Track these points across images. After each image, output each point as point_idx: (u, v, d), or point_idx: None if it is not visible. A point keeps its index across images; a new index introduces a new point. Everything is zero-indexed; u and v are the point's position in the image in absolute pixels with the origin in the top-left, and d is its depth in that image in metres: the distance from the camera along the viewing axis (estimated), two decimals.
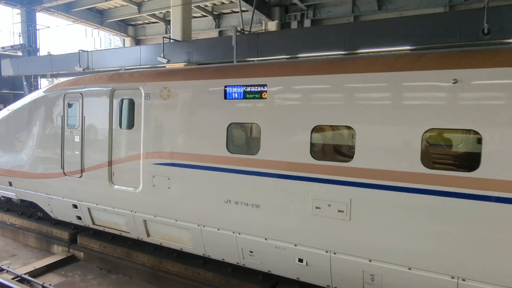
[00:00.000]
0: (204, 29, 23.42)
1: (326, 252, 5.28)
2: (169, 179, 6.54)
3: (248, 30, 18.48)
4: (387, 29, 13.21)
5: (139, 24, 26.91)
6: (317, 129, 5.32)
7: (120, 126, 7.25)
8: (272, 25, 20.07)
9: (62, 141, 8.03)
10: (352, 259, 5.12)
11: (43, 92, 8.72)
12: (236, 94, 5.88)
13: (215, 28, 23.09)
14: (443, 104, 4.44)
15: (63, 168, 8.00)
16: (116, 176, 7.27)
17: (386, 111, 4.79)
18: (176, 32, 17.96)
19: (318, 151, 5.68)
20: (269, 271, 6.01)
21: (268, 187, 5.59)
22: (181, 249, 6.86)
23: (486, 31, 11.37)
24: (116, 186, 7.27)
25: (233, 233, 6.04)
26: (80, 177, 7.74)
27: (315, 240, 5.34)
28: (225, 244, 6.20)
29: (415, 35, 12.72)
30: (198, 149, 6.23)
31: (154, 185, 6.72)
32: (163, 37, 17.92)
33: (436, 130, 4.68)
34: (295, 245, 5.51)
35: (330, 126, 5.57)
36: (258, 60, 14.81)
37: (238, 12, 18.09)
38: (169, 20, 18.96)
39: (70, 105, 7.98)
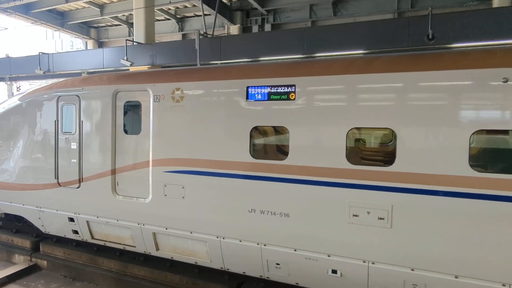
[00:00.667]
0: (167, 32, 22.94)
1: (364, 262, 4.83)
2: (183, 188, 5.85)
3: (211, 33, 18.33)
4: (341, 34, 13.47)
5: (102, 26, 25.97)
6: (353, 131, 4.87)
7: (125, 132, 6.42)
8: (234, 29, 19.98)
9: (55, 149, 7.05)
10: (392, 268, 4.70)
11: (30, 95, 7.60)
12: (260, 95, 5.28)
13: (179, 31, 22.68)
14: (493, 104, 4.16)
15: (57, 178, 7.05)
16: (121, 186, 6.45)
17: (431, 112, 4.39)
18: (139, 34, 17.47)
19: (355, 155, 5.09)
20: (296, 283, 5.46)
21: (298, 194, 5.05)
22: (195, 263, 6.17)
23: (430, 37, 11.84)
24: (120, 197, 6.46)
25: (258, 244, 5.44)
26: (78, 187, 6.84)
27: (351, 250, 4.88)
28: (248, 256, 5.58)
29: (367, 39, 13.06)
30: (217, 155, 5.57)
31: (165, 195, 6.00)
32: (126, 40, 17.38)
33: (484, 131, 4.31)
34: (329, 256, 5.00)
35: (367, 128, 5.11)
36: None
37: (201, 15, 17.83)
38: (132, 23, 18.39)
39: (64, 109, 7.01)
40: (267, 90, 5.26)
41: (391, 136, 4.61)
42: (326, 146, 4.89)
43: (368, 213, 4.70)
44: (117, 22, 23.91)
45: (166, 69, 6.50)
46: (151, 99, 6.10)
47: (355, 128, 4.79)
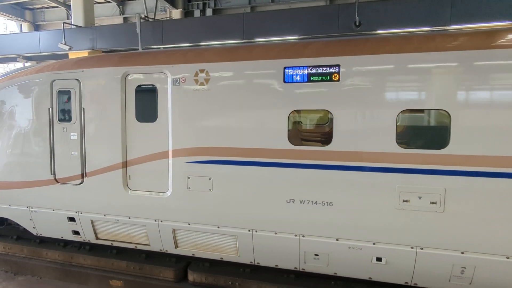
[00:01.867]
0: (108, 15, 21.28)
1: (412, 248, 4.49)
2: (210, 179, 5.09)
3: (153, 17, 17.26)
4: (278, 20, 13.31)
5: (38, 8, 23.44)
6: (403, 113, 4.41)
7: (138, 119, 5.40)
8: (176, 13, 18.98)
9: (51, 140, 5.86)
10: (441, 253, 4.40)
11: (13, 80, 6.19)
12: (299, 76, 4.61)
13: (120, 14, 21.12)
14: None
15: (54, 174, 5.89)
16: (134, 180, 5.50)
17: (486, 92, 4.03)
18: (77, 17, 16.02)
19: (406, 139, 4.66)
20: (335, 273, 5.03)
21: (343, 181, 4.55)
22: (221, 258, 5.49)
23: (357, 24, 12.05)
24: (133, 192, 5.53)
25: (295, 236, 4.92)
26: (80, 183, 5.76)
27: (399, 236, 4.51)
28: (283, 248, 5.06)
29: (301, 25, 13.02)
30: (250, 143, 4.85)
31: (189, 188, 5.20)
32: (64, 23, 15.85)
33: None
34: (374, 244, 4.62)
35: (419, 110, 4.54)
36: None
37: None
38: (70, 5, 16.75)
39: (61, 95, 5.80)
40: (307, 70, 4.59)
41: (446, 118, 4.20)
42: (375, 129, 4.38)
43: (420, 198, 4.32)
44: (54, 4, 21.69)
45: (185, 48, 5.60)
46: (170, 82, 5.16)
47: (406, 110, 4.32)
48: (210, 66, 4.99)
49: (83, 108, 5.62)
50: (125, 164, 5.50)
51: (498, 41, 4.04)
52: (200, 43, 14.48)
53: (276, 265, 5.28)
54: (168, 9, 19.19)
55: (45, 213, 6.15)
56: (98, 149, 5.61)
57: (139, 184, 5.48)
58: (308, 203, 4.75)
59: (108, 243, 6.05)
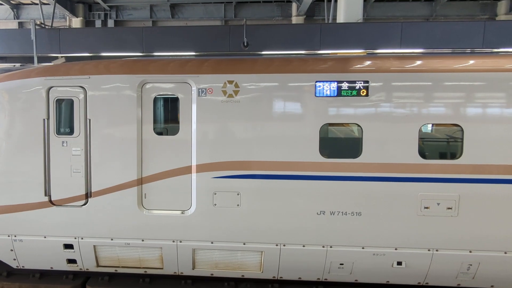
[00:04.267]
0: (0, 18, 19.71)
1: (429, 250, 4.82)
2: (238, 194, 4.88)
3: (50, 24, 16.55)
4: (175, 36, 13.91)
5: None
6: (424, 127, 4.75)
7: (156, 132, 4.97)
8: (76, 22, 18.43)
9: (45, 156, 5.05)
10: (453, 253, 4.80)
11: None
12: (329, 91, 4.69)
13: (14, 18, 19.71)
14: None
15: (49, 195, 5.11)
16: (150, 198, 5.01)
17: (493, 109, 4.64)
18: None
19: (426, 150, 4.90)
20: (356, 280, 5.20)
21: (371, 192, 4.73)
22: (242, 276, 5.31)
23: (245, 44, 13.23)
24: (149, 212, 5.04)
25: (323, 247, 4.94)
26: (83, 205, 5.08)
27: (419, 240, 4.81)
28: (310, 260, 5.04)
29: (197, 42, 13.81)
30: (281, 156, 4.78)
31: (215, 204, 4.91)
32: None
33: None
34: (396, 249, 4.85)
35: (436, 124, 4.88)
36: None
37: (38, 4, 15.92)
38: None
39: (60, 104, 5.05)
40: (337, 85, 4.70)
41: (459, 133, 4.69)
42: (400, 142, 4.67)
43: (438, 204, 4.65)
44: None
45: (211, 58, 5.33)
46: (194, 93, 4.83)
47: (426, 124, 4.72)
48: (240, 77, 4.81)
49: (89, 120, 4.97)
50: (140, 181, 4.98)
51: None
52: (99, 54, 14.41)
53: (299, 278, 5.27)
54: (68, 17, 18.56)
55: (34, 241, 5.29)
56: (108, 165, 5.01)
57: (157, 202, 5.03)
58: (338, 214, 4.80)
59: (112, 270, 5.47)
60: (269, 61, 5.08)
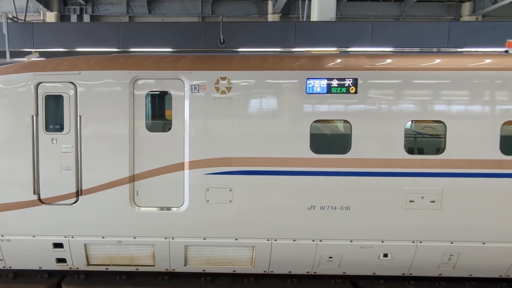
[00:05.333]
0: None
1: (413, 242, 4.96)
2: (231, 190, 4.88)
3: (23, 18, 16.13)
4: (152, 32, 13.88)
5: None
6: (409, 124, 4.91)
7: (149, 129, 4.90)
8: (51, 16, 18.01)
9: (34, 154, 4.90)
10: (436, 244, 4.96)
11: None
12: (319, 88, 4.74)
13: None
14: None
15: (38, 193, 4.96)
16: (142, 195, 4.95)
17: (471, 106, 4.79)
18: None
19: (412, 146, 5.01)
20: (344, 273, 5.31)
21: (360, 186, 4.82)
22: (234, 271, 5.37)
23: (222, 41, 13.36)
24: (142, 209, 4.97)
25: (313, 241, 5.01)
26: (74, 203, 4.97)
27: (404, 233, 4.94)
28: (300, 254, 5.13)
29: (174, 39, 13.83)
30: (273, 152, 4.81)
31: (208, 201, 4.89)
32: None
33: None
34: (382, 242, 4.98)
35: (421, 120, 5.00)
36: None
37: None
38: None
39: (49, 100, 4.90)
40: (327, 82, 4.74)
41: (442, 129, 4.82)
42: (387, 138, 4.79)
43: (423, 198, 4.78)
44: None
45: (203, 54, 5.34)
46: (187, 89, 4.80)
47: (412, 121, 4.87)
48: (232, 74, 4.78)
49: (80, 116, 4.85)
50: (132, 179, 4.91)
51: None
52: (74, 49, 14.21)
53: (290, 272, 5.33)
54: (42, 11, 18.11)
55: (22, 241, 5.16)
56: (99, 163, 4.90)
57: (149, 199, 4.97)
58: (327, 209, 4.84)
59: (103, 268, 5.38)
60: (262, 58, 5.09)
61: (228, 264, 5.32)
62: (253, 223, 5.03)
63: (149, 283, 5.50)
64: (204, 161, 4.84)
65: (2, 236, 5.17)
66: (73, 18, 17.96)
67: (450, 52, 11.76)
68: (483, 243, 4.92)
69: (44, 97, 4.89)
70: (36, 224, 5.09)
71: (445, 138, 4.74)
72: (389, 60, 4.97)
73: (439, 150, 4.82)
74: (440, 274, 5.29)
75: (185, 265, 5.31)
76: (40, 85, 4.88)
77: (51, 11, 18.05)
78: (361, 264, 5.19)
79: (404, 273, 5.26)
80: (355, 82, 4.73)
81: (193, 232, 5.08)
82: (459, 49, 13.24)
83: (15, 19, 15.43)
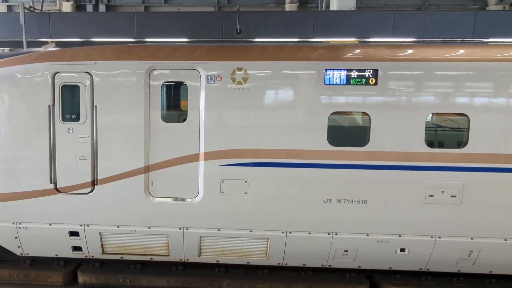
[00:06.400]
0: None
1: (432, 237, 4.90)
2: (246, 182, 4.88)
3: (40, 8, 16.27)
4: (168, 22, 13.82)
5: None
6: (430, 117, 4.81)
7: (164, 119, 4.93)
8: (67, 6, 18.09)
9: (51, 143, 4.97)
10: (455, 240, 4.89)
11: None
12: (338, 79, 4.67)
13: (3, 2, 19.29)
14: None
15: (55, 182, 5.05)
16: (157, 186, 5.00)
17: (498, 99, 4.66)
18: None
19: (433, 139, 4.93)
20: (359, 267, 5.28)
21: (378, 180, 4.76)
22: (248, 263, 5.37)
23: (238, 31, 13.21)
24: (156, 199, 5.03)
25: (329, 234, 5.00)
26: (89, 192, 5.05)
27: (422, 228, 4.88)
28: (315, 247, 5.11)
29: (190, 29, 13.75)
30: (289, 144, 4.78)
31: (222, 192, 4.91)
32: None
33: None
34: (399, 236, 4.93)
35: (443, 113, 4.90)
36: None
37: None
38: None
39: (65, 90, 4.95)
40: (346, 73, 4.67)
41: (465, 122, 4.68)
42: (407, 131, 4.70)
43: (442, 192, 4.72)
44: None
45: (220, 44, 5.32)
46: (203, 80, 4.79)
47: (433, 113, 4.78)
48: (249, 64, 4.75)
49: (96, 106, 4.90)
50: (147, 169, 4.95)
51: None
52: (90, 39, 14.29)
53: (304, 264, 5.35)
54: (58, 1, 18.23)
55: (39, 229, 5.27)
56: (114, 152, 4.96)
57: (163, 190, 5.03)
58: (344, 202, 4.83)
59: (117, 257, 5.47)
60: (279, 48, 5.02)
61: (242, 256, 5.34)
62: (268, 215, 5.02)
63: (163, 272, 5.54)
64: (219, 152, 4.85)
65: (20, 224, 5.29)
66: (89, 8, 17.98)
67: (475, 42, 11.45)
68: (505, 240, 4.83)
69: (60, 87, 4.94)
70: (52, 213, 5.18)
71: (468, 131, 4.64)
72: (410, 51, 4.85)
73: (461, 143, 4.72)
74: (459, 270, 5.18)
75: (199, 256, 5.35)
76: (56, 75, 4.93)
77: (67, 1, 18.10)
78: (377, 258, 5.14)
79: (421, 268, 5.20)
80: (375, 73, 4.65)
81: (207, 223, 5.10)
82: (485, 40, 12.81)
83: (32, 9, 15.60)
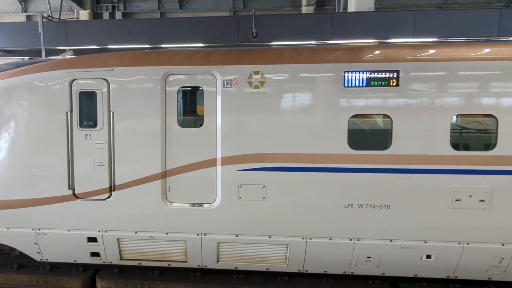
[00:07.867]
0: (8, 12, 19.96)
1: (459, 243, 4.74)
2: (264, 187, 4.84)
3: (57, 17, 16.78)
4: (183, 27, 13.97)
5: None
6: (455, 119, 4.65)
7: (181, 125, 4.93)
8: (84, 14, 18.57)
9: (69, 150, 5.05)
10: (485, 246, 4.70)
11: (19, 76, 5.17)
12: (358, 81, 4.61)
13: (22, 12, 19.99)
14: None
15: (73, 188, 5.11)
16: (174, 191, 5.01)
17: None
18: None
19: (458, 141, 4.77)
20: (383, 274, 5.11)
21: (401, 184, 4.65)
22: (267, 269, 5.27)
23: (254, 35, 13.25)
24: (173, 205, 5.03)
25: (350, 240, 4.89)
26: (107, 198, 5.09)
27: (449, 233, 4.72)
28: (336, 254, 5.00)
29: (205, 34, 13.88)
30: (308, 148, 4.72)
31: (240, 197, 4.88)
32: None
33: None
34: (425, 242, 4.78)
35: (469, 115, 4.73)
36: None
37: None
38: None
39: (83, 97, 5.03)
40: (366, 75, 4.59)
41: (493, 124, 4.52)
42: (431, 134, 4.57)
43: (470, 196, 4.56)
44: None
45: (236, 48, 5.35)
46: (219, 84, 4.78)
47: (459, 114, 4.62)
48: (266, 68, 4.72)
49: (113, 112, 4.93)
50: (164, 174, 4.95)
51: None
52: (107, 46, 14.60)
53: (325, 271, 5.22)
54: (75, 10, 18.77)
55: (58, 235, 5.29)
56: (131, 158, 4.99)
57: (181, 195, 5.01)
58: (366, 207, 4.74)
59: (135, 263, 5.43)
60: (296, 51, 4.96)
61: (261, 262, 5.25)
62: (287, 221, 4.93)
63: (182, 279, 5.49)
64: (236, 157, 4.82)
65: (39, 229, 5.31)
66: (106, 15, 18.40)
67: (501, 41, 11.10)
68: None
69: (78, 94, 5.00)
70: (71, 219, 5.20)
71: (496, 133, 4.50)
72: (433, 51, 4.72)
73: (489, 146, 4.57)
74: (490, 278, 4.98)
75: (217, 262, 5.28)
76: (74, 82, 4.99)
77: (84, 9, 18.57)
78: (402, 265, 4.99)
79: (448, 276, 5.03)
80: (396, 74, 4.56)
81: (226, 229, 5.05)
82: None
83: (50, 18, 16.09)
